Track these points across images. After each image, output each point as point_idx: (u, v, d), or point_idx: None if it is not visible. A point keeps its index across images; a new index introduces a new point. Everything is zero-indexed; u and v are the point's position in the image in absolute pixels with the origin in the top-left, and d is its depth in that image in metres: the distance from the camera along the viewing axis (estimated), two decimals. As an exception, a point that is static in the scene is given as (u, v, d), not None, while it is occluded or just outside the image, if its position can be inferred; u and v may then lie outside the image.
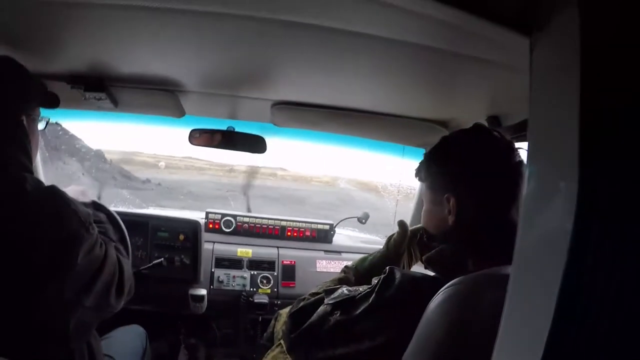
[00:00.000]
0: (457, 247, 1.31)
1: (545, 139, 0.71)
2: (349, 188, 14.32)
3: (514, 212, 1.28)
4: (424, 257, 1.41)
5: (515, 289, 0.68)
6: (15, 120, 1.37)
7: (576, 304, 0.60)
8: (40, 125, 1.56)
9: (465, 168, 1.35)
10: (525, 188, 0.70)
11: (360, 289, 1.46)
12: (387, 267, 1.39)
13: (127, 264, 1.59)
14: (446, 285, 1.03)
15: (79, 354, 1.43)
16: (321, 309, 1.57)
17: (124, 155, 8.59)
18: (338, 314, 1.45)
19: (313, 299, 1.69)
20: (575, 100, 0.63)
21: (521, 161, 1.33)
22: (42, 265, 1.23)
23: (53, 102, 1.67)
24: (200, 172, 12.71)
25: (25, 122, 1.41)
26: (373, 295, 1.36)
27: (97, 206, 1.93)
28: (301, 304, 1.70)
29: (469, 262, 1.22)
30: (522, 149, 1.36)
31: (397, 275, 1.36)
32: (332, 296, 1.54)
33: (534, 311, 0.64)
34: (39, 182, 1.36)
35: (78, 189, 1.81)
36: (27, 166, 1.38)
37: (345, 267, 1.82)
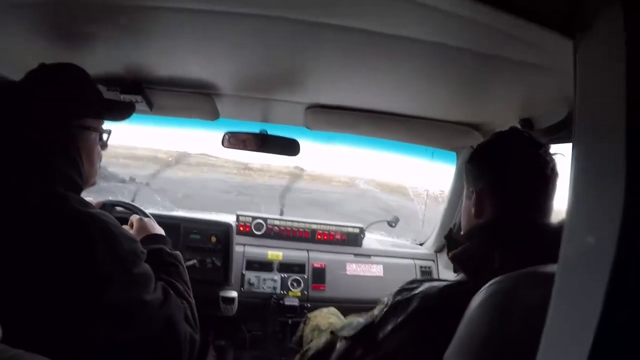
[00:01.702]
0: (481, 244, 1.34)
1: (591, 141, 0.70)
2: (369, 189, 14.24)
3: (536, 213, 1.33)
4: (449, 254, 1.44)
5: (561, 290, 0.67)
6: (64, 131, 1.28)
7: (623, 305, 0.59)
8: (102, 138, 1.46)
9: (487, 163, 1.43)
10: (570, 189, 0.70)
11: (376, 312, 1.48)
12: (407, 282, 1.44)
13: (194, 324, 1.47)
14: (487, 285, 1.03)
15: None
16: (339, 346, 1.59)
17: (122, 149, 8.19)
18: (361, 349, 1.48)
19: (322, 344, 1.74)
20: (622, 100, 0.62)
21: (548, 163, 1.35)
22: (66, 295, 1.14)
23: (117, 114, 1.50)
24: (213, 169, 12.70)
25: (78, 134, 1.32)
26: (396, 313, 1.38)
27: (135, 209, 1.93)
28: (311, 352, 1.76)
29: (495, 260, 1.23)
30: (559, 153, 1.38)
31: (419, 287, 1.39)
32: (349, 329, 1.56)
33: (580, 312, 0.63)
34: (83, 204, 1.24)
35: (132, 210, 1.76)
36: (75, 182, 1.30)
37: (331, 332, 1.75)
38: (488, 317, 1.00)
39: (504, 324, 0.97)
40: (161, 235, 1.76)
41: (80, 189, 1.34)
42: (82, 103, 1.33)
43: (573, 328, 0.64)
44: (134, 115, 2.34)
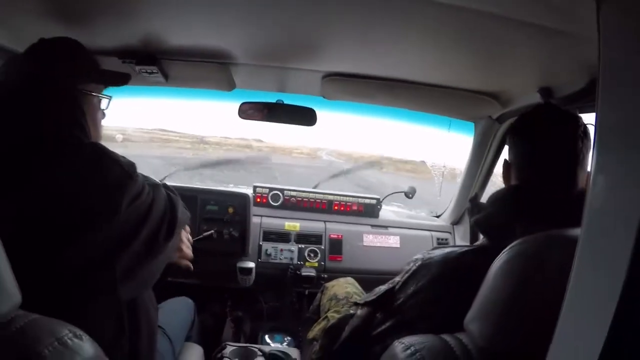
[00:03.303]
0: (502, 210, 1.37)
1: (615, 107, 0.68)
2: (331, 159, 14.07)
3: (560, 180, 1.36)
4: (472, 220, 1.47)
5: (584, 252, 0.66)
6: (68, 95, 1.39)
7: None
8: (103, 104, 1.57)
9: (515, 136, 1.50)
10: (594, 154, 0.68)
11: (397, 279, 1.52)
12: (426, 251, 1.50)
13: (178, 200, 1.61)
14: (508, 247, 1.02)
15: (130, 318, 1.44)
16: (359, 312, 1.62)
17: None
18: (382, 313, 1.53)
19: (338, 317, 1.83)
20: None
21: (576, 137, 1.36)
22: (87, 214, 1.26)
23: (115, 80, 1.63)
24: (165, 144, 12.52)
25: (81, 98, 1.43)
26: (417, 277, 1.43)
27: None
28: (331, 322, 1.85)
29: (516, 225, 1.25)
30: (589, 123, 1.40)
31: (440, 253, 1.43)
32: (370, 295, 1.62)
33: (604, 275, 0.62)
34: (84, 141, 1.39)
35: None
36: (80, 139, 1.39)
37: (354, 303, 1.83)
38: (509, 280, 0.99)
39: (525, 287, 0.96)
40: None
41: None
42: (78, 70, 1.44)
43: (597, 291, 0.63)
44: (150, 87, 2.34)
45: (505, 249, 1.03)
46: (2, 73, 1.38)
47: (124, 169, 1.34)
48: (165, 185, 1.58)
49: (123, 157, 1.40)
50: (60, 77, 1.38)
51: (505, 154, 1.54)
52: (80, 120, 1.39)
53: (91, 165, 1.30)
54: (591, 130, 1.38)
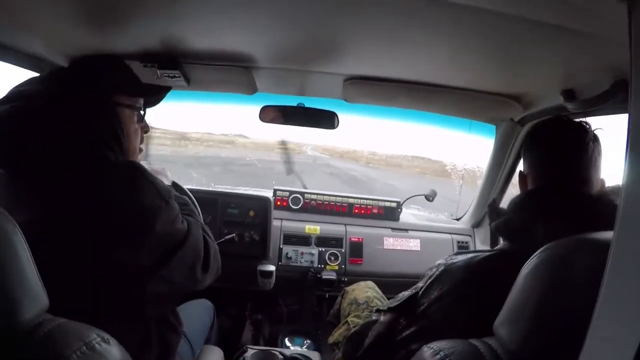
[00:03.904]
0: (522, 214, 1.39)
1: None
2: (316, 155, 13.89)
3: (576, 182, 1.37)
4: (492, 225, 1.48)
5: (617, 256, 0.65)
6: (106, 108, 1.43)
7: None
8: (139, 117, 1.60)
9: (530, 145, 1.55)
10: (628, 155, 0.67)
11: (420, 284, 1.53)
12: (448, 256, 1.51)
13: (214, 246, 1.63)
14: (538, 251, 1.02)
15: (155, 329, 1.48)
16: (383, 318, 1.62)
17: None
18: (405, 320, 1.53)
19: (361, 323, 1.84)
20: None
21: (587, 144, 1.39)
22: (119, 232, 1.27)
23: (154, 92, 1.67)
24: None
25: (117, 110, 1.47)
26: (440, 283, 1.44)
27: (176, 187, 1.99)
28: (353, 329, 1.85)
29: (536, 229, 1.26)
30: (598, 128, 1.46)
31: (462, 258, 1.43)
32: (393, 301, 1.63)
33: (638, 278, 0.62)
34: (120, 159, 1.43)
35: (156, 169, 1.86)
36: (114, 148, 1.42)
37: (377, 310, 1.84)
38: (540, 284, 0.98)
39: (556, 291, 0.95)
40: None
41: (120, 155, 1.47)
42: (114, 83, 1.49)
43: (630, 295, 0.63)
44: (172, 92, 2.36)
45: (536, 254, 1.02)
46: (43, 83, 1.40)
47: (160, 193, 1.37)
48: (203, 228, 1.62)
49: (161, 181, 1.43)
50: (99, 90, 1.42)
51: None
52: (116, 131, 1.43)
53: (128, 185, 1.33)
54: (600, 135, 1.43)
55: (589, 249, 0.95)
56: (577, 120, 1.47)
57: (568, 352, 0.69)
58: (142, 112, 1.60)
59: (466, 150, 3.44)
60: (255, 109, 2.58)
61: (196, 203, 2.13)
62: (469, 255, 1.43)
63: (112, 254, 1.26)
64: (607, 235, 0.67)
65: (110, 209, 1.27)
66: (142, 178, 1.36)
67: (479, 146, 3.07)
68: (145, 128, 1.64)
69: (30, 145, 1.28)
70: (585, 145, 1.37)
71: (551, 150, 1.44)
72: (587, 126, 1.43)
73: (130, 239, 1.29)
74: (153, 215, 1.32)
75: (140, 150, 1.65)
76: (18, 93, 1.35)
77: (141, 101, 1.60)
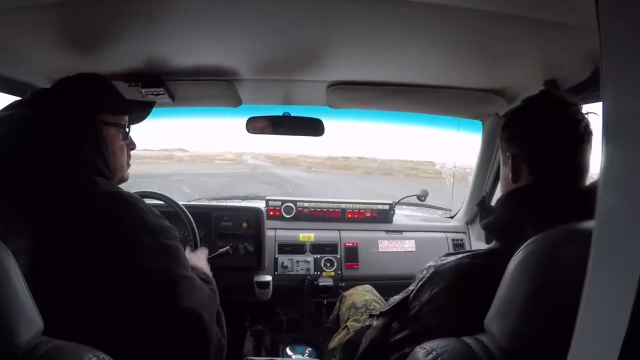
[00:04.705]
0: (512, 211, 1.36)
1: (621, 96, 0.68)
2: (256, 163, 13.79)
3: (570, 175, 1.33)
4: (481, 223, 1.46)
5: (598, 248, 0.66)
6: (89, 125, 1.41)
7: None
8: (124, 135, 1.59)
9: (520, 128, 1.43)
10: (603, 144, 0.68)
11: (411, 287, 1.53)
12: (442, 255, 1.50)
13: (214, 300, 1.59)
14: (523, 245, 1.02)
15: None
16: (375, 324, 1.63)
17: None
18: (397, 323, 1.54)
19: (356, 325, 1.90)
20: None
21: (580, 122, 1.33)
22: (97, 268, 1.24)
23: (138, 109, 1.67)
24: None
25: (103, 129, 1.46)
26: (431, 284, 1.43)
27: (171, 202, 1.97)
28: (347, 336, 1.88)
29: (528, 225, 1.23)
30: (592, 112, 1.36)
31: (453, 259, 1.43)
32: (385, 305, 1.63)
33: (620, 269, 0.62)
34: (110, 186, 1.37)
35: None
36: (102, 170, 1.41)
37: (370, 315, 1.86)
38: (527, 277, 0.99)
39: (543, 283, 0.96)
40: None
41: (108, 178, 1.44)
42: (98, 102, 1.48)
43: (613, 286, 0.63)
44: (158, 109, 2.36)
45: (521, 248, 1.02)
46: (27, 107, 1.39)
47: (147, 227, 1.32)
48: (208, 280, 1.62)
49: (157, 216, 1.39)
50: (83, 110, 1.42)
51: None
52: (101, 149, 1.42)
53: (111, 218, 1.29)
54: (594, 117, 1.36)
55: (573, 239, 0.96)
56: (569, 101, 1.38)
57: (558, 344, 0.70)
58: (127, 129, 1.59)
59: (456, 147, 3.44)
60: (242, 121, 2.59)
61: (189, 217, 2.13)
62: (459, 256, 1.43)
63: (95, 281, 1.24)
64: (590, 224, 0.68)
65: (95, 236, 1.25)
66: (127, 209, 1.32)
67: (442, 142, 3.09)
68: (131, 145, 1.63)
69: (15, 170, 1.28)
70: (584, 132, 1.32)
71: (549, 137, 1.35)
72: (581, 112, 1.35)
73: (105, 277, 1.25)
74: (138, 252, 1.28)
75: (128, 165, 1.63)
76: (2, 119, 1.34)
77: (126, 118, 1.59)
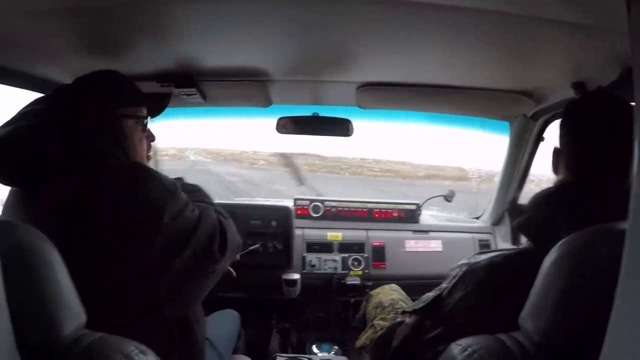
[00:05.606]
0: (550, 210, 1.33)
1: None
2: (198, 159, 13.54)
3: (608, 174, 1.30)
4: (514, 223, 1.43)
5: (633, 244, 0.67)
6: (107, 118, 1.46)
7: None
8: (144, 126, 1.63)
9: (566, 125, 1.43)
10: (637, 144, 0.68)
11: (444, 285, 1.52)
12: (471, 256, 1.49)
13: (231, 224, 1.62)
14: (558, 244, 1.02)
15: (178, 332, 1.48)
16: (408, 320, 1.63)
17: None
18: (430, 321, 1.53)
19: (387, 326, 1.86)
20: None
21: (620, 123, 1.30)
22: (130, 231, 1.30)
23: (155, 101, 1.71)
24: None
25: (121, 122, 1.49)
26: (464, 283, 1.43)
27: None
28: (379, 333, 1.87)
29: (562, 225, 1.21)
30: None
31: (485, 257, 1.43)
32: (418, 302, 1.62)
33: None
34: (126, 164, 1.46)
35: None
36: (122, 159, 1.46)
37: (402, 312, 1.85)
38: (561, 275, 0.99)
39: (577, 280, 0.96)
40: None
41: None
42: (115, 95, 1.52)
43: None
44: (190, 108, 2.40)
45: (555, 247, 1.03)
46: (46, 102, 1.44)
47: (165, 187, 1.39)
48: (217, 210, 1.60)
49: (165, 176, 1.45)
50: (101, 103, 1.45)
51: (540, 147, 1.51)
52: (121, 141, 1.46)
53: (131, 184, 1.35)
54: None
55: (607, 238, 0.96)
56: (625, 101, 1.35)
57: (591, 341, 0.71)
58: (145, 122, 1.62)
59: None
60: (271, 121, 2.62)
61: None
62: (492, 254, 1.42)
63: (126, 255, 1.28)
64: (624, 224, 0.69)
65: (118, 211, 1.30)
66: (146, 175, 1.39)
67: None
68: (151, 137, 1.67)
69: (37, 162, 1.32)
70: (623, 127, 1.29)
71: (598, 135, 1.32)
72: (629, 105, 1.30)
73: (140, 236, 1.30)
74: (160, 209, 1.33)
75: (149, 158, 1.68)
76: (23, 114, 1.39)
77: (144, 110, 1.62)
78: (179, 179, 1.75)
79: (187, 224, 1.41)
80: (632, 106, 1.31)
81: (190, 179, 1.56)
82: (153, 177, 1.40)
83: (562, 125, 1.45)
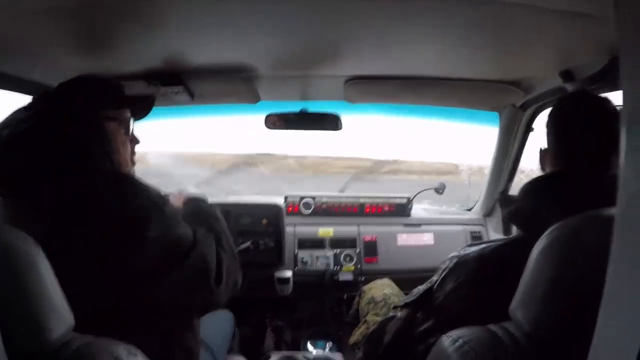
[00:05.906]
0: (537, 200, 1.36)
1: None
2: (160, 161, 13.55)
3: (593, 165, 1.34)
4: (504, 213, 1.46)
5: (621, 234, 0.66)
6: (89, 121, 1.43)
7: None
8: (128, 129, 1.61)
9: (550, 123, 1.49)
10: (623, 132, 0.68)
11: (435, 278, 1.53)
12: (461, 248, 1.52)
13: (229, 260, 1.59)
14: (546, 232, 1.02)
15: (172, 336, 1.47)
16: (399, 315, 1.63)
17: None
18: (422, 314, 1.54)
19: (377, 319, 1.90)
20: None
21: (610, 117, 1.35)
22: (114, 239, 1.28)
23: (139, 103, 1.67)
24: None
25: (105, 125, 1.47)
26: (454, 274, 1.44)
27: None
28: (371, 328, 1.87)
29: (551, 214, 1.19)
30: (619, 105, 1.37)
31: (475, 249, 1.45)
32: (409, 297, 1.63)
33: None
34: (112, 171, 1.44)
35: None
36: (104, 162, 1.43)
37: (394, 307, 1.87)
38: (550, 264, 0.99)
39: (566, 268, 0.96)
40: (197, 196, 1.94)
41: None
42: (97, 97, 1.50)
43: (637, 268, 0.63)
44: (178, 107, 2.38)
45: (544, 235, 1.03)
46: (28, 109, 1.42)
47: (150, 199, 1.38)
48: (220, 243, 1.59)
49: (153, 188, 1.43)
50: (82, 106, 1.43)
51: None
52: (104, 145, 1.44)
53: (116, 192, 1.34)
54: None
55: (596, 225, 0.96)
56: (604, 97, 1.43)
57: (582, 329, 0.70)
58: (129, 125, 1.60)
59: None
60: (260, 117, 2.60)
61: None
62: (482, 246, 1.44)
63: (112, 262, 1.27)
64: (612, 211, 0.68)
65: (104, 218, 1.28)
66: (129, 185, 1.38)
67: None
68: (134, 140, 1.64)
69: (22, 170, 1.31)
70: (612, 127, 1.32)
71: (579, 131, 1.39)
72: (612, 104, 1.38)
73: (124, 245, 1.29)
74: (143, 220, 1.32)
75: (133, 162, 1.65)
76: (7, 122, 1.37)
77: (127, 113, 1.60)
78: (200, 199, 1.83)
79: (179, 241, 1.41)
80: (612, 103, 1.38)
81: (150, 182, 1.53)
82: (138, 188, 1.39)
83: (548, 125, 1.49)
